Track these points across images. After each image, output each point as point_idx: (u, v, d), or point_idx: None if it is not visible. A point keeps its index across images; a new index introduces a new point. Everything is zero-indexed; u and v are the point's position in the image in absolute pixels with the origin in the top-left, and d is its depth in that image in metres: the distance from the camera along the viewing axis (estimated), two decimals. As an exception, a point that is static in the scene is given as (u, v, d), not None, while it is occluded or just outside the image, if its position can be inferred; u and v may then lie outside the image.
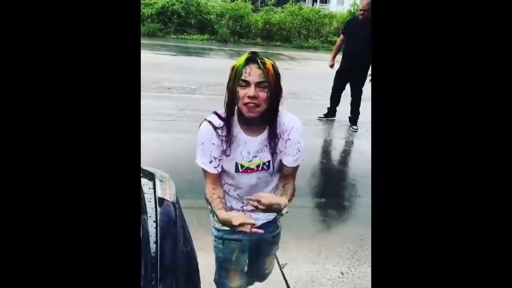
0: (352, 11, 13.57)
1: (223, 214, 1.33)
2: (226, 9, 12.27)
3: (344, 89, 5.04)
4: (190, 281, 1.18)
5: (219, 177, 1.43)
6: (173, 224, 1.02)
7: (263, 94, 1.25)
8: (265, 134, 1.38)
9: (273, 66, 1.28)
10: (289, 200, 1.45)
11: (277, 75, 1.28)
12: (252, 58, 1.24)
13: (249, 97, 1.23)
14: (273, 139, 1.37)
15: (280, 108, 1.35)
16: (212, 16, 12.09)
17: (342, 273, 2.31)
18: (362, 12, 4.52)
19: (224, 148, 1.35)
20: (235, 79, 1.25)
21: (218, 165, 1.39)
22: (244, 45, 11.67)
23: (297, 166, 1.48)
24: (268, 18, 12.71)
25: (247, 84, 1.24)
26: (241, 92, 1.25)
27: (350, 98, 4.99)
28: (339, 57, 4.96)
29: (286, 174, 1.48)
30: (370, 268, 2.46)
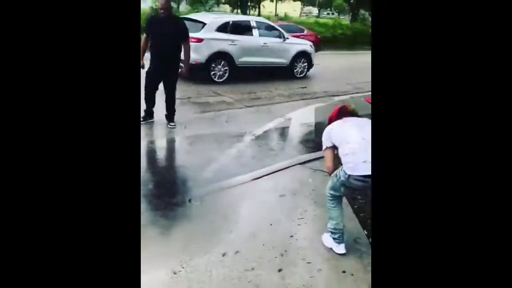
0: (154, 7, 12.67)
1: None
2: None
3: (157, 89, 4.62)
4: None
5: None
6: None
7: None
8: None
9: None
10: None
11: None
12: None
13: None
14: None
15: None
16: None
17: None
18: (162, 11, 4.31)
19: None
20: None
21: None
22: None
23: None
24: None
25: None
26: None
27: (164, 96, 4.61)
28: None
29: None
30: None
